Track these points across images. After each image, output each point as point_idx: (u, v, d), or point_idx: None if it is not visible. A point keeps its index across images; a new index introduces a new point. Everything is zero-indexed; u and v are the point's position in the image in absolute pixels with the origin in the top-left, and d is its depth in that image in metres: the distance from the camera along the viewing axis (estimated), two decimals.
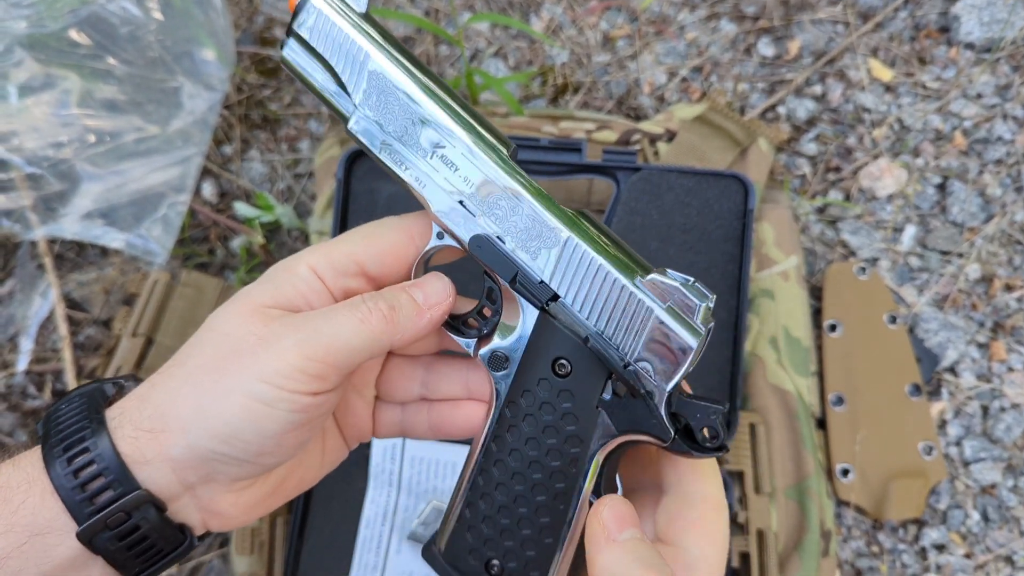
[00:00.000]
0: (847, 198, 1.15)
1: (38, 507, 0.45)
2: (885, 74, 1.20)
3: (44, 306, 1.10)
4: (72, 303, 1.12)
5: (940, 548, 1.01)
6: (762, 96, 1.20)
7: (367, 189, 0.99)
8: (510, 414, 0.51)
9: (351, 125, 0.51)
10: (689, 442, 0.49)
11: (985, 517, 1.02)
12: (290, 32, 0.51)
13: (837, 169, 1.16)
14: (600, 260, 0.49)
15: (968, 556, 1.00)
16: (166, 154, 1.10)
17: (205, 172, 1.19)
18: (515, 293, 0.50)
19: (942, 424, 1.05)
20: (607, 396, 0.49)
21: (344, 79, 0.50)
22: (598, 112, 1.18)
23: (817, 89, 1.20)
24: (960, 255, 1.11)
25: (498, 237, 0.50)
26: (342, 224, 0.97)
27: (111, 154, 1.07)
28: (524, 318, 0.51)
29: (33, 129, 1.03)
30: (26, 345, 1.08)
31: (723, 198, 0.94)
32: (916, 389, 1.03)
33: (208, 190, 1.18)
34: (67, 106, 1.04)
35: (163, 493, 0.47)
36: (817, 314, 1.08)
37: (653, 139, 1.06)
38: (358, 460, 0.96)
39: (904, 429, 1.02)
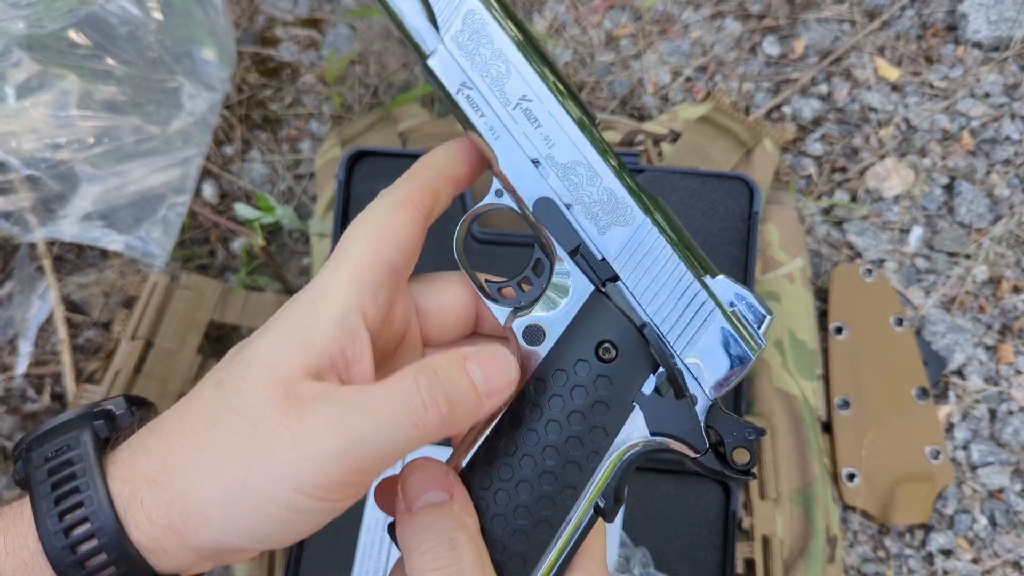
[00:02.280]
0: (853, 199, 1.13)
1: None
2: (892, 73, 1.18)
3: (43, 308, 1.10)
4: (71, 305, 1.11)
5: (947, 553, 1.00)
6: (767, 96, 1.19)
7: (368, 191, 0.98)
8: (535, 391, 0.47)
9: (431, 61, 0.47)
10: (720, 460, 0.46)
11: (993, 522, 1.01)
12: None
13: (843, 169, 1.15)
14: (672, 251, 0.47)
15: (975, 561, 0.99)
16: (166, 155, 1.09)
17: (205, 173, 1.18)
18: (573, 266, 0.48)
19: (949, 428, 1.04)
20: (647, 391, 0.47)
21: (439, 13, 0.47)
22: (601, 112, 1.17)
23: (823, 88, 1.19)
24: (967, 256, 1.10)
25: (566, 204, 0.47)
26: (343, 226, 0.96)
27: (110, 155, 1.06)
28: (574, 294, 0.48)
29: (31, 130, 1.03)
30: (25, 348, 1.08)
31: (728, 200, 0.93)
32: (923, 392, 1.02)
33: (208, 191, 1.18)
34: (66, 107, 1.04)
35: (174, 568, 0.42)
36: (823, 316, 1.07)
37: (657, 140, 1.05)
38: None
39: (911, 433, 1.01)
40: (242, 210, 1.13)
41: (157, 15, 1.07)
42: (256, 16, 1.28)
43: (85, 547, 0.39)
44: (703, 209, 0.93)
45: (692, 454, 0.47)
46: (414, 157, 0.97)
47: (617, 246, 0.47)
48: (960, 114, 1.16)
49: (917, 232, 1.11)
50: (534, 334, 0.48)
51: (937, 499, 1.01)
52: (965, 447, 1.03)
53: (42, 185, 1.05)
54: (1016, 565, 0.99)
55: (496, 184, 0.49)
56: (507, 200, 0.49)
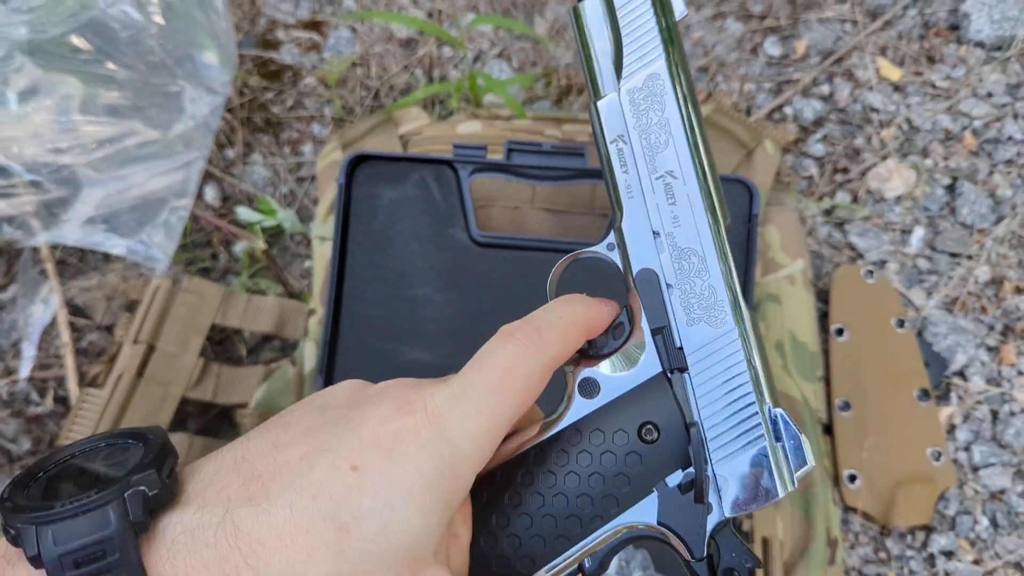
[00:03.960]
0: (855, 200, 1.13)
1: None
2: (894, 73, 1.18)
3: (46, 312, 1.10)
4: (74, 309, 1.12)
5: (949, 555, 1.00)
6: (769, 96, 1.19)
7: (368, 194, 0.98)
8: (568, 439, 0.48)
9: (601, 103, 0.48)
10: (711, 573, 0.47)
11: (994, 523, 1.01)
12: None
13: (845, 170, 1.15)
14: (747, 367, 0.47)
15: (977, 562, 0.99)
16: (168, 159, 1.10)
17: (207, 176, 1.18)
18: (650, 343, 0.48)
19: (951, 429, 1.04)
20: (670, 483, 0.47)
21: (625, 63, 0.48)
22: None
23: (824, 89, 1.19)
24: (969, 257, 1.09)
25: (668, 284, 0.48)
26: (344, 230, 0.97)
27: (112, 159, 1.07)
28: (642, 367, 0.48)
29: (34, 135, 1.03)
30: (29, 351, 1.08)
31: (728, 202, 0.93)
32: (924, 394, 1.02)
33: (210, 194, 1.18)
34: (68, 112, 1.04)
35: None
36: (824, 318, 1.07)
37: None
38: None
39: (912, 434, 1.01)
40: (244, 213, 1.14)
41: (158, 19, 1.08)
42: (257, 19, 1.28)
43: None
44: None
45: (688, 557, 0.47)
46: (414, 160, 0.98)
47: (698, 342, 0.48)
48: (962, 114, 1.15)
49: (919, 233, 1.11)
50: (590, 387, 0.48)
51: (939, 500, 1.01)
52: (967, 448, 1.03)
53: (45, 190, 1.05)
54: (1018, 566, 0.99)
55: (611, 238, 0.50)
56: (615, 256, 0.50)
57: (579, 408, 0.48)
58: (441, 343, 0.95)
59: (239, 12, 1.27)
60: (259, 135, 1.22)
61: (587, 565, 0.48)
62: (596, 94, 0.49)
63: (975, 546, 1.00)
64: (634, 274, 0.49)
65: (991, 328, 1.07)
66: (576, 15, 0.50)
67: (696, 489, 0.46)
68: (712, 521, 0.47)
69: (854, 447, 1.00)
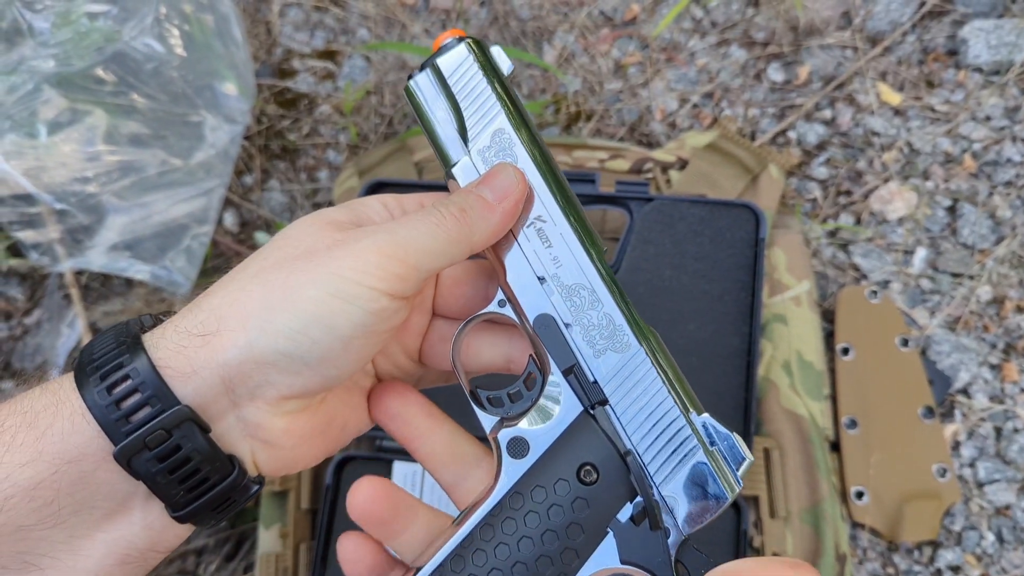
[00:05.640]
0: (858, 222, 1.16)
1: (67, 432, 0.42)
2: (894, 98, 1.21)
3: (71, 336, 1.13)
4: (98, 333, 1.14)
5: (955, 570, 1.02)
6: (772, 121, 1.22)
7: None
8: (511, 504, 0.47)
9: (455, 171, 0.50)
10: None
11: (1000, 538, 1.03)
12: (427, 66, 0.51)
13: (848, 193, 1.18)
14: (663, 383, 0.48)
15: None
16: (189, 186, 1.13)
17: (226, 202, 1.21)
18: (565, 385, 0.49)
19: (955, 446, 1.06)
20: (622, 519, 0.47)
21: (469, 127, 0.50)
22: (611, 140, 1.20)
23: (827, 113, 1.22)
24: (971, 277, 1.12)
25: (566, 324, 0.49)
26: None
27: (136, 187, 1.10)
28: (563, 412, 0.49)
29: (61, 164, 1.06)
30: (54, 374, 1.11)
31: (735, 227, 0.96)
32: (929, 411, 1.04)
33: (229, 220, 1.21)
34: (93, 142, 1.07)
35: (208, 410, 0.44)
36: (829, 337, 1.09)
37: (665, 167, 1.08)
38: None
39: (917, 451, 1.03)
40: (262, 238, 1.16)
41: (180, 51, 1.11)
42: (274, 49, 1.32)
43: (120, 387, 0.42)
44: (711, 236, 0.96)
45: None
46: (430, 188, 1.01)
47: (610, 371, 0.48)
48: (962, 137, 1.18)
49: (921, 254, 1.14)
50: (519, 447, 0.48)
51: (945, 516, 1.03)
52: (972, 465, 1.05)
53: (70, 217, 1.08)
54: None
55: (500, 295, 0.50)
56: (508, 311, 0.50)
57: (513, 471, 0.48)
58: None
59: (256, 42, 1.31)
60: (276, 162, 1.25)
61: None
62: (447, 163, 0.50)
63: (982, 561, 1.02)
64: (531, 322, 0.49)
65: (993, 346, 1.09)
66: (410, 93, 0.51)
67: (649, 517, 0.46)
68: (673, 544, 0.47)
69: (861, 464, 1.02)
